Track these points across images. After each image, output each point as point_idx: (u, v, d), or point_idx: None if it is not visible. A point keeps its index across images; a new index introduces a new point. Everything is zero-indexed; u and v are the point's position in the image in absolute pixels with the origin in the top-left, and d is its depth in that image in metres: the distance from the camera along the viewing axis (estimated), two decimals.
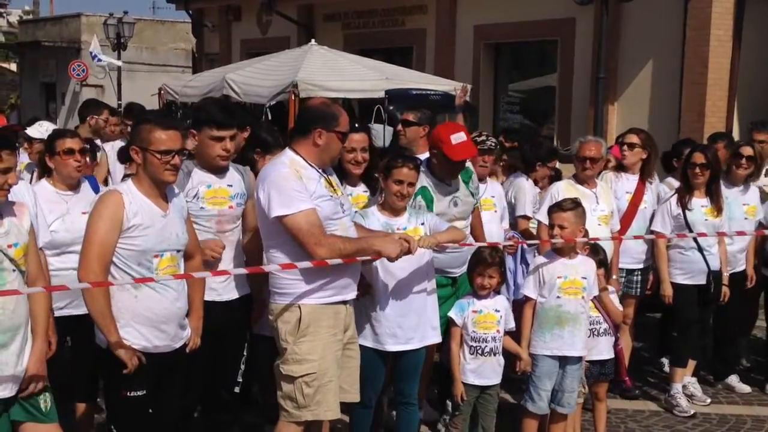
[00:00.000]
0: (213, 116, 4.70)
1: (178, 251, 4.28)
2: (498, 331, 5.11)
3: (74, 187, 5.14)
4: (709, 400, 6.66)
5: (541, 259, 5.39)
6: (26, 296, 3.89)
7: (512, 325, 5.28)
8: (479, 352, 5.06)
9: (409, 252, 4.46)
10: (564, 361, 5.22)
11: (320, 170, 4.46)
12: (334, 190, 4.51)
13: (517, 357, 5.28)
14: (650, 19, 11.93)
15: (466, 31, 14.82)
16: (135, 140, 4.20)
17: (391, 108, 10.92)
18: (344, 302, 4.51)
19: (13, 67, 40.02)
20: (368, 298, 4.86)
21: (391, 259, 4.42)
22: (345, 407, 4.72)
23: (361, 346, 4.78)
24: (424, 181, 5.45)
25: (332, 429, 4.97)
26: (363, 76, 12.11)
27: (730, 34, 11.22)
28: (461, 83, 12.93)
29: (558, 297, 5.18)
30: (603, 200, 6.21)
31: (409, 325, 4.90)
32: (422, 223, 5.02)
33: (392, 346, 4.90)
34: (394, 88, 11.53)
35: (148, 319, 4.13)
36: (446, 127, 5.73)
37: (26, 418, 3.92)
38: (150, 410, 4.20)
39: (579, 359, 5.26)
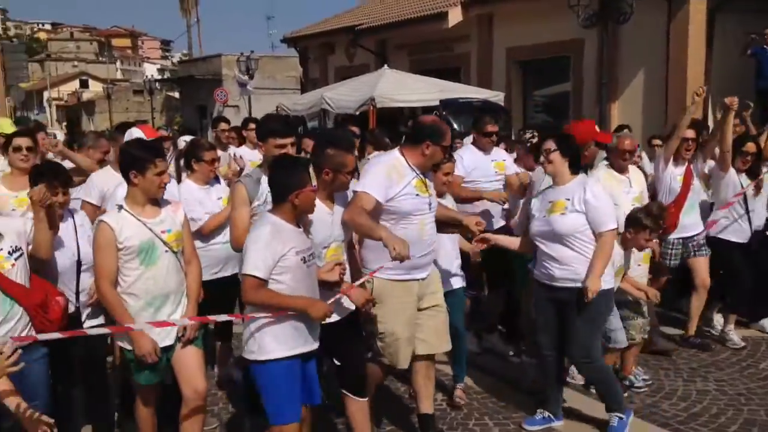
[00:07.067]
0: (274, 127, 4.12)
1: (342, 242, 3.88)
2: None
3: (210, 182, 5.06)
4: (743, 344, 6.08)
5: (616, 249, 4.62)
6: (176, 270, 3.75)
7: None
8: None
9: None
10: None
11: (417, 171, 4.02)
12: (426, 189, 4.06)
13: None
14: (641, 37, 11.44)
15: (500, 52, 14.49)
16: (325, 163, 3.73)
17: (444, 113, 10.72)
18: (415, 279, 4.08)
19: (177, 95, 40.92)
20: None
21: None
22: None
23: None
24: None
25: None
26: (423, 90, 11.99)
27: (703, 45, 10.78)
28: (499, 92, 12.67)
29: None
30: (635, 183, 5.50)
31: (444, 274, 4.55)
32: (453, 206, 4.77)
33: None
34: (446, 97, 11.35)
35: None
36: (582, 125, 5.26)
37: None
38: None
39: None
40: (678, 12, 10.90)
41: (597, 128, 5.26)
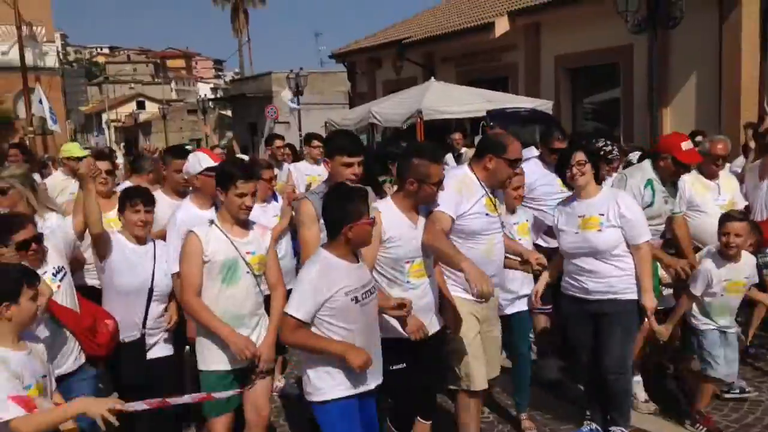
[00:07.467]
0: (342, 145, 3.96)
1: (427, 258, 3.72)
2: None
3: (267, 200, 5.23)
4: None
5: (710, 264, 4.47)
6: (255, 293, 3.75)
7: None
8: None
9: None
10: (723, 334, 4.57)
11: (487, 189, 3.88)
12: (495, 209, 3.90)
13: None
14: (692, 41, 11.28)
15: (548, 61, 14.45)
16: (410, 173, 3.62)
17: (492, 123, 10.79)
18: (479, 301, 3.84)
19: (229, 113, 41.88)
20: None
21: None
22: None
23: None
24: (651, 174, 4.77)
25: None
26: (470, 101, 12.05)
27: (757, 48, 10.55)
28: (546, 100, 12.65)
29: (722, 295, 4.50)
30: (725, 190, 5.18)
31: (511, 293, 4.56)
32: (527, 219, 4.68)
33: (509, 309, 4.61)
34: (494, 108, 11.40)
35: None
36: (675, 136, 4.96)
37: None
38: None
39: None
40: (730, 14, 10.73)
41: (686, 146, 4.72)
